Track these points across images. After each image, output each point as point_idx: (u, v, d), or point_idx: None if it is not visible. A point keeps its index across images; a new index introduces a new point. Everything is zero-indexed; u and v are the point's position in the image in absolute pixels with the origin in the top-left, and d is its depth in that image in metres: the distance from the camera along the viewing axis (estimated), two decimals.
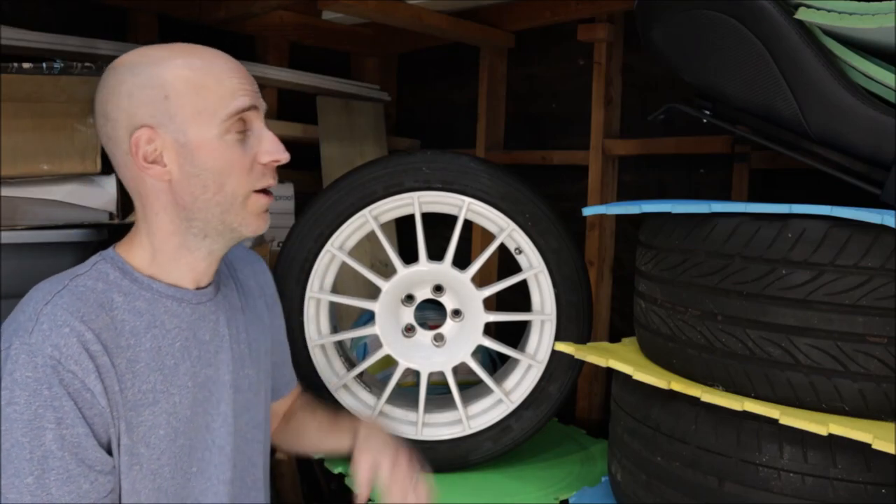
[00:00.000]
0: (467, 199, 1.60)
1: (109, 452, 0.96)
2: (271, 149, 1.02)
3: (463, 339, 1.68)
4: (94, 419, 0.93)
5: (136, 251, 1.03)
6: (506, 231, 1.62)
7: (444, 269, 1.64)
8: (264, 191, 1.03)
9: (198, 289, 1.06)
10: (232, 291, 1.16)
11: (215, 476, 1.09)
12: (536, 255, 1.62)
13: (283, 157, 1.03)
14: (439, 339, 1.70)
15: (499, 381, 1.68)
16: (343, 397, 1.70)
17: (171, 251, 1.03)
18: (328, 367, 1.70)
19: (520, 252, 1.65)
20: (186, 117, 0.97)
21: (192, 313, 1.06)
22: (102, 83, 1.00)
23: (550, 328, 1.64)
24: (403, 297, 1.70)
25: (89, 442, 0.93)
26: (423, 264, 1.64)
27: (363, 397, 1.71)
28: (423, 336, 1.71)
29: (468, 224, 1.74)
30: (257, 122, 1.02)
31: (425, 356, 1.68)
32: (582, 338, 1.63)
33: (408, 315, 1.71)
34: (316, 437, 1.30)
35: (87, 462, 0.92)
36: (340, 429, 1.26)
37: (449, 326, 1.70)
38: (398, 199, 1.61)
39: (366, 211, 1.62)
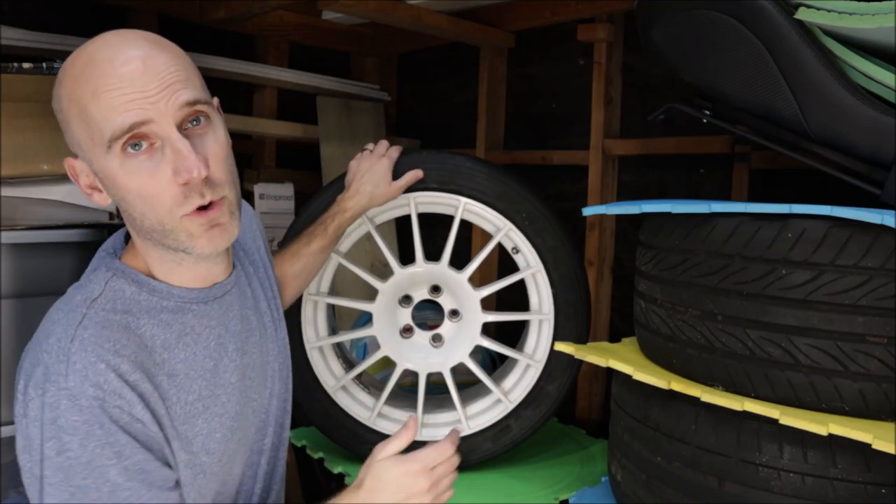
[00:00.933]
0: (463, 199, 1.60)
1: (170, 467, 0.94)
2: (180, 166, 0.86)
3: (461, 339, 1.68)
4: (150, 444, 0.90)
5: (143, 259, 0.97)
6: (502, 231, 1.62)
7: (441, 270, 1.64)
8: (202, 208, 0.90)
9: (220, 283, 1.01)
10: (241, 262, 1.12)
11: (269, 450, 1.12)
12: (533, 254, 1.61)
13: (195, 173, 0.86)
14: (437, 339, 1.70)
15: (497, 380, 1.68)
16: (341, 399, 1.70)
17: (165, 263, 0.96)
18: (326, 368, 1.70)
19: (517, 251, 1.65)
20: (84, 146, 0.89)
21: (219, 308, 1.01)
22: None
23: (548, 328, 1.64)
24: (401, 297, 1.70)
25: (152, 465, 0.90)
26: (420, 265, 1.64)
27: (362, 398, 1.71)
28: (421, 337, 1.71)
29: (468, 224, 1.73)
30: (170, 132, 0.86)
31: (423, 357, 1.68)
32: (581, 337, 1.63)
33: (405, 316, 1.71)
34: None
35: (156, 484, 0.90)
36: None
37: (447, 327, 1.70)
38: (394, 199, 1.60)
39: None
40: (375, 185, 1.46)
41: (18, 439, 0.88)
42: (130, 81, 0.85)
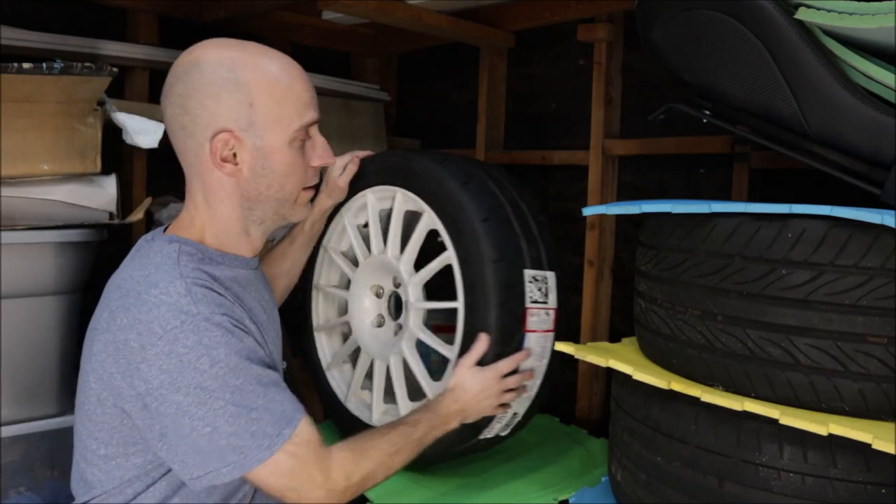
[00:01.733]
0: (398, 189, 1.62)
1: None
2: (322, 154, 1.17)
3: (409, 330, 1.62)
4: (261, 345, 1.10)
5: (198, 231, 1.14)
6: (426, 213, 1.57)
7: (389, 259, 1.65)
8: (310, 187, 1.18)
9: (252, 257, 1.21)
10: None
11: None
12: (448, 237, 1.54)
13: (332, 160, 1.19)
14: (399, 329, 1.70)
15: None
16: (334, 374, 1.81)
17: (234, 233, 1.15)
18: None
19: (439, 237, 1.57)
20: (266, 125, 1.09)
21: (255, 276, 1.21)
22: (183, 77, 1.07)
23: (461, 316, 1.51)
24: (374, 289, 1.75)
25: (269, 359, 1.09)
26: (377, 255, 1.68)
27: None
28: (388, 328, 1.74)
29: None
30: (314, 129, 1.16)
31: (386, 346, 1.69)
32: (502, 328, 1.46)
33: (378, 307, 1.75)
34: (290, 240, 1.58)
35: (275, 371, 1.09)
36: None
37: (404, 317, 1.65)
38: (358, 197, 1.69)
39: (342, 212, 1.72)
40: (326, 182, 1.63)
41: (137, 384, 1.00)
42: (312, 88, 1.14)
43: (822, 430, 1.00)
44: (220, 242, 1.15)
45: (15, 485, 1.56)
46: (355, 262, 1.74)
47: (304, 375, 2.41)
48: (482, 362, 1.43)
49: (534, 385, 1.53)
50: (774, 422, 1.06)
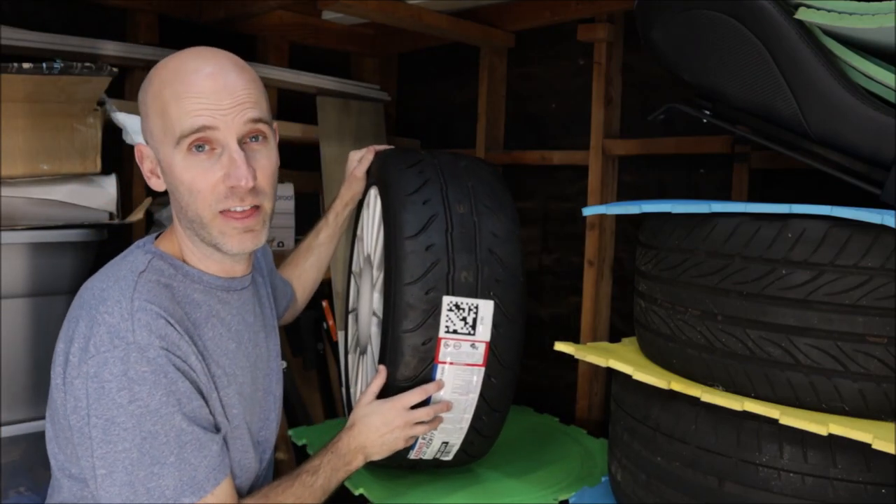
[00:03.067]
0: (372, 188, 1.63)
1: (214, 416, 1.06)
2: (232, 172, 1.01)
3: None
4: (203, 393, 1.02)
5: (177, 246, 1.10)
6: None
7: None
8: (237, 213, 1.03)
9: (240, 277, 1.15)
10: (256, 269, 1.27)
11: (269, 444, 1.23)
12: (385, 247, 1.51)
13: (243, 182, 1.01)
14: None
15: None
16: None
17: (196, 252, 1.09)
18: None
19: None
20: (157, 137, 1.03)
21: (238, 299, 1.14)
22: None
23: (380, 337, 1.46)
24: (370, 281, 1.71)
25: (204, 411, 1.01)
26: (368, 243, 1.70)
27: None
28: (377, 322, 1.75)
29: None
30: (231, 142, 1.01)
31: (375, 338, 1.68)
32: (407, 357, 1.38)
33: (372, 300, 1.70)
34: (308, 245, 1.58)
35: (210, 428, 1.02)
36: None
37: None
38: (369, 192, 1.68)
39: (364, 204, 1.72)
40: (344, 174, 1.64)
41: (69, 399, 0.97)
42: (208, 93, 0.99)
43: (822, 430, 1.00)
44: (196, 259, 1.10)
45: (15, 485, 1.56)
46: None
47: (307, 375, 2.40)
48: (390, 391, 1.33)
49: (461, 418, 1.42)
50: (774, 422, 1.06)
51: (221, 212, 1.03)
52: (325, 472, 1.18)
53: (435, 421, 1.36)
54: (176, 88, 1.00)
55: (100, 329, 0.95)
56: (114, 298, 0.98)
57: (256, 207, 1.05)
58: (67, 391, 0.97)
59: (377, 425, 1.28)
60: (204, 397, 1.03)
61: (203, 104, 0.99)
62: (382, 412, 1.28)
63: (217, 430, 1.05)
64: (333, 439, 1.26)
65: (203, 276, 1.08)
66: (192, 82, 1.00)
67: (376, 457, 1.29)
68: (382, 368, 1.33)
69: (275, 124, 1.14)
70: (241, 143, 1.02)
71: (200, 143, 1.00)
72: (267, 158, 1.06)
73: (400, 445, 1.31)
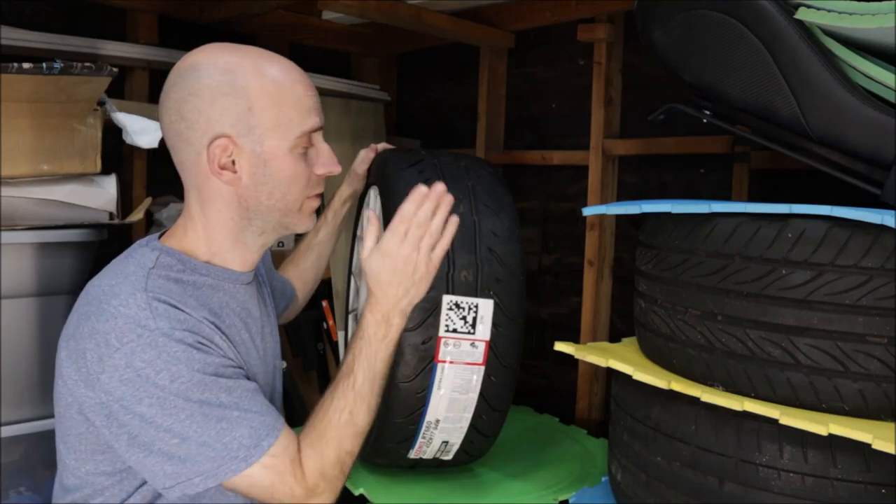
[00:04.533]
0: (373, 187, 1.65)
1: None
2: (327, 162, 1.11)
3: None
4: (237, 363, 1.04)
5: (191, 242, 1.09)
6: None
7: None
8: (314, 196, 1.12)
9: (246, 271, 1.15)
10: (258, 268, 1.26)
11: None
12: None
13: (336, 169, 1.12)
14: None
15: None
16: None
17: (229, 243, 1.10)
18: None
19: None
20: (265, 130, 1.04)
21: (245, 293, 1.15)
22: (178, 82, 1.04)
23: None
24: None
25: (243, 375, 1.04)
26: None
27: None
28: None
29: None
30: (317, 136, 1.11)
31: None
32: (407, 355, 1.39)
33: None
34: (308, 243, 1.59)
35: (253, 385, 1.03)
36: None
37: None
38: (369, 191, 1.68)
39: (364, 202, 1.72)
40: (346, 172, 1.62)
41: (97, 395, 0.97)
42: (315, 93, 1.09)
43: (822, 430, 1.00)
44: (211, 254, 1.09)
45: (15, 485, 1.56)
46: None
47: (307, 375, 2.40)
48: (389, 391, 1.26)
49: (461, 417, 1.43)
50: (774, 422, 1.06)
51: (310, 196, 1.11)
52: (362, 366, 1.06)
53: (450, 224, 1.10)
54: (291, 83, 1.06)
55: (118, 322, 0.96)
56: (126, 292, 0.98)
57: (322, 193, 1.15)
58: (95, 387, 0.97)
59: (390, 276, 1.07)
60: (241, 366, 1.05)
61: (316, 104, 1.08)
62: (389, 253, 1.06)
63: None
64: (358, 326, 1.10)
65: (211, 268, 1.09)
66: (294, 81, 1.06)
67: (416, 301, 1.10)
68: (373, 213, 1.13)
69: None
70: None
71: (309, 138, 1.08)
72: None
73: (432, 274, 1.09)
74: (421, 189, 1.08)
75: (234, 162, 1.04)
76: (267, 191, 1.06)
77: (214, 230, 1.09)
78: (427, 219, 1.07)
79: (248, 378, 1.04)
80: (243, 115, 1.02)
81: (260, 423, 0.99)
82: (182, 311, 0.99)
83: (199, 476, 0.97)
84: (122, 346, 0.95)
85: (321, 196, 1.15)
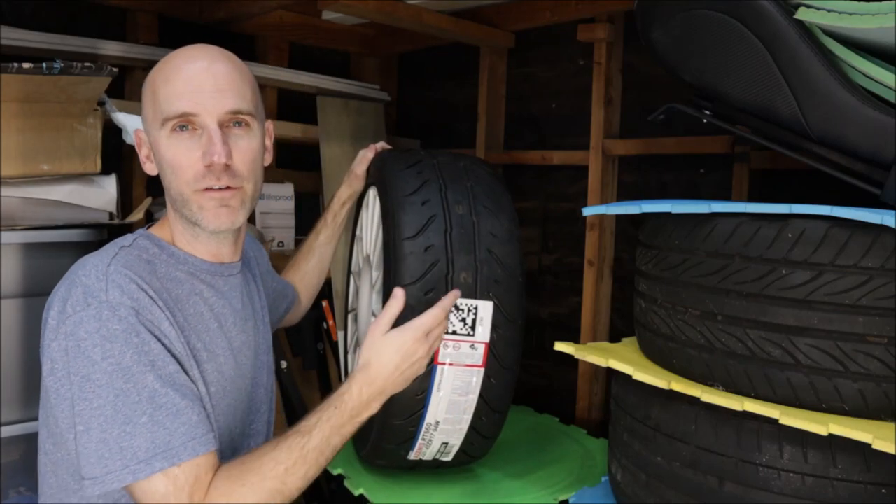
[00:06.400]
0: (371, 188, 1.64)
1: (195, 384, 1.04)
2: (207, 150, 1.05)
3: None
4: (179, 359, 1.01)
5: (167, 231, 1.13)
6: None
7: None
8: (215, 189, 1.07)
9: (228, 263, 1.16)
10: (248, 265, 1.29)
11: (262, 436, 1.22)
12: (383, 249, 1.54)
13: (216, 158, 1.04)
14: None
15: None
16: None
17: (185, 234, 1.12)
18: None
19: None
20: (149, 119, 1.10)
21: (225, 284, 1.16)
22: None
23: None
24: (370, 280, 1.73)
25: (182, 377, 1.00)
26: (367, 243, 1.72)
27: None
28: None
29: None
30: (210, 123, 1.05)
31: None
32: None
33: (372, 299, 1.69)
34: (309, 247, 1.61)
35: (190, 396, 0.99)
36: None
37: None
38: (368, 192, 1.70)
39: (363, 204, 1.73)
40: (345, 173, 1.65)
41: (46, 362, 0.99)
42: (193, 79, 1.05)
43: (822, 430, 1.00)
44: (185, 242, 1.12)
45: (15, 485, 1.56)
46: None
47: (307, 375, 2.40)
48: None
49: (461, 419, 1.42)
50: (774, 422, 1.06)
51: (201, 189, 1.07)
52: (323, 432, 1.04)
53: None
54: (166, 74, 1.07)
55: (76, 290, 0.98)
56: (92, 263, 1.01)
57: (238, 188, 1.08)
58: (45, 354, 0.99)
59: (397, 362, 1.13)
60: (182, 367, 1.01)
61: (187, 88, 1.05)
62: (403, 345, 1.14)
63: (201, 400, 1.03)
64: (338, 390, 1.10)
65: (189, 258, 1.11)
66: (181, 69, 1.07)
67: (396, 391, 1.17)
68: (400, 292, 1.19)
69: (269, 123, 1.19)
70: (223, 126, 1.07)
71: (183, 124, 1.05)
72: (247, 143, 1.09)
73: (420, 374, 1.19)
74: (439, 312, 1.21)
75: (150, 153, 1.11)
76: (163, 178, 1.10)
77: (171, 220, 1.13)
78: (440, 336, 1.23)
79: (176, 384, 0.98)
80: (147, 106, 1.10)
81: (163, 444, 0.94)
82: (139, 286, 0.99)
83: (90, 479, 0.93)
84: (74, 314, 0.96)
85: (218, 190, 1.06)
